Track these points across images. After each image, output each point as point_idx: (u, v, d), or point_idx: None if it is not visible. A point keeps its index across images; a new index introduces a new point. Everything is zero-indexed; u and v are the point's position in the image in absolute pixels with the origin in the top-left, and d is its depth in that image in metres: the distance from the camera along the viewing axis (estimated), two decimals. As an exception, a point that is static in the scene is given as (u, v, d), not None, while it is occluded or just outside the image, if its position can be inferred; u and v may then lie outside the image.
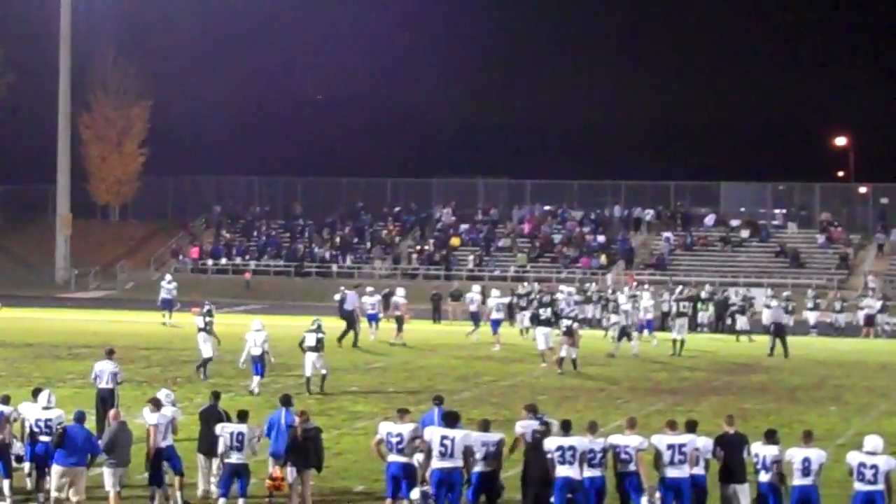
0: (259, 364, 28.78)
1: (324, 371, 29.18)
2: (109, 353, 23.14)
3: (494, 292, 42.55)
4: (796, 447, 16.14)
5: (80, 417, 17.42)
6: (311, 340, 29.04)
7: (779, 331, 39.75)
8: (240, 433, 17.36)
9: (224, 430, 17.47)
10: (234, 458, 17.29)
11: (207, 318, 31.31)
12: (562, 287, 48.24)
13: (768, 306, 42.69)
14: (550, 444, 16.53)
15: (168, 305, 46.49)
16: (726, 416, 17.77)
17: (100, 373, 22.73)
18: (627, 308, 39.38)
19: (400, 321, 41.22)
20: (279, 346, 32.72)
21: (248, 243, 69.23)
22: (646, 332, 41.74)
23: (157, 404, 18.04)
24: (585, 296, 48.50)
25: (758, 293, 51.14)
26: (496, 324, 40.40)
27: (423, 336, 41.54)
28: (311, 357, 28.94)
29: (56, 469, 17.09)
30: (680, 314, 40.11)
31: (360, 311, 40.84)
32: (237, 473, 17.30)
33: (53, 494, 17.09)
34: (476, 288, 46.61)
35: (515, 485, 17.45)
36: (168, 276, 49.16)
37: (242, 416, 17.71)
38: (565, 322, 35.05)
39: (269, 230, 70.50)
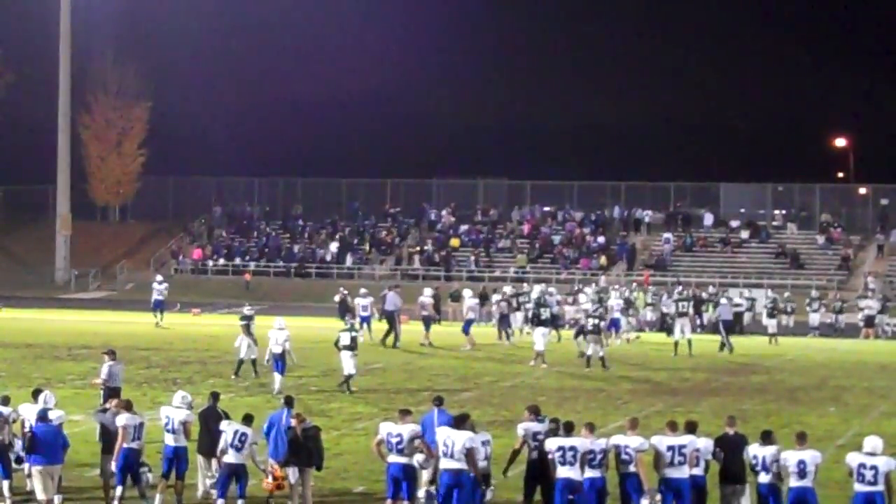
0: (280, 362, 29.03)
1: (352, 371, 29.37)
2: (112, 354, 23.23)
3: (467, 292, 42.39)
4: (791, 449, 16.12)
5: (44, 416, 17.40)
6: (346, 339, 29.42)
7: (726, 327, 40.59)
8: (243, 433, 17.37)
9: (229, 427, 17.46)
10: (234, 457, 17.28)
11: (241, 322, 31.73)
12: (536, 287, 48.25)
13: (716, 304, 43.15)
14: (551, 444, 16.53)
15: (160, 306, 46.20)
16: (727, 416, 17.76)
17: (112, 373, 22.86)
18: (587, 307, 39.45)
19: (427, 321, 41.27)
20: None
21: (248, 244, 69.23)
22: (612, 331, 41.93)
23: (128, 407, 18.06)
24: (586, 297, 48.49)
25: (759, 294, 51.20)
26: (468, 324, 40.52)
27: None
28: (346, 356, 29.25)
29: (36, 470, 16.99)
30: (680, 314, 40.08)
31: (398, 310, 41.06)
32: (235, 474, 17.27)
33: (41, 497, 16.98)
34: (508, 290, 46.51)
35: (518, 485, 17.44)
36: (159, 277, 48.79)
37: (248, 420, 17.73)
38: (592, 321, 35.59)
39: (270, 230, 70.50)
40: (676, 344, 38.96)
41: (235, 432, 17.32)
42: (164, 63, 75.67)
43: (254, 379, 30.75)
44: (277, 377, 29.04)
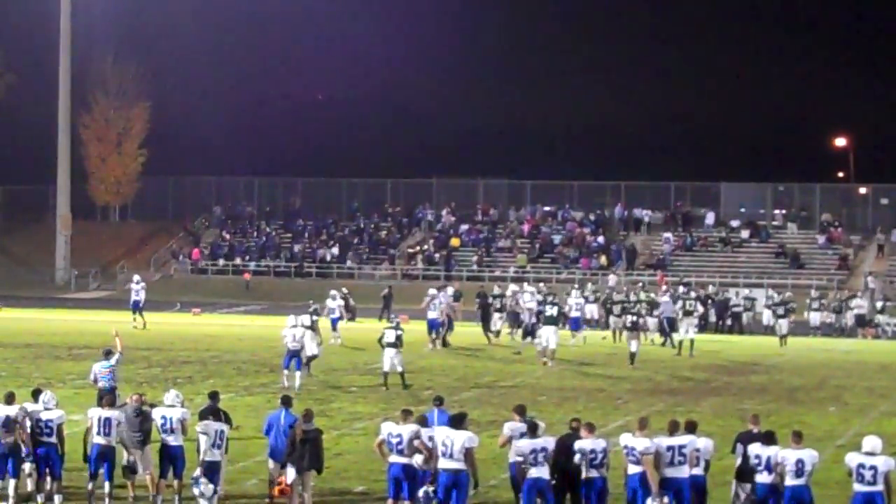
0: (289, 359, 29.55)
1: (400, 368, 29.86)
2: (107, 354, 23.12)
3: (431, 291, 42.12)
4: (789, 448, 16.13)
5: None
6: (390, 337, 29.97)
7: (670, 325, 41.24)
8: (221, 430, 17.56)
9: (209, 428, 17.53)
10: (214, 455, 17.43)
11: (313, 318, 32.39)
12: (511, 286, 48.49)
13: (658, 303, 43.56)
14: (524, 446, 16.57)
15: (137, 307, 45.02)
16: (751, 415, 17.90)
17: (99, 373, 22.74)
18: (532, 306, 39.55)
19: (448, 320, 41.10)
20: (279, 347, 32.76)
21: (248, 243, 69.22)
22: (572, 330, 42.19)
23: (110, 403, 18.24)
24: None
25: (759, 294, 51.19)
26: (433, 323, 40.46)
27: (422, 336, 41.43)
28: (389, 353, 29.81)
29: None
30: (686, 313, 40.15)
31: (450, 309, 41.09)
32: (214, 470, 17.46)
33: None
34: (530, 288, 46.45)
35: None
36: (136, 277, 47.44)
37: (215, 412, 18.03)
38: (630, 318, 36.83)
39: (269, 230, 70.46)
40: (681, 343, 38.97)
41: (216, 432, 17.49)
42: (164, 63, 75.71)
43: (308, 376, 31.07)
44: (286, 373, 29.54)
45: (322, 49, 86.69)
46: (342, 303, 42.31)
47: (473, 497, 17.11)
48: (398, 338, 29.90)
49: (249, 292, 62.46)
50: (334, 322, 40.96)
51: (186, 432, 18.15)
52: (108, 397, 18.92)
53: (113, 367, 22.66)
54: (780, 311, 44.32)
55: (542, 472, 16.39)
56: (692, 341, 38.99)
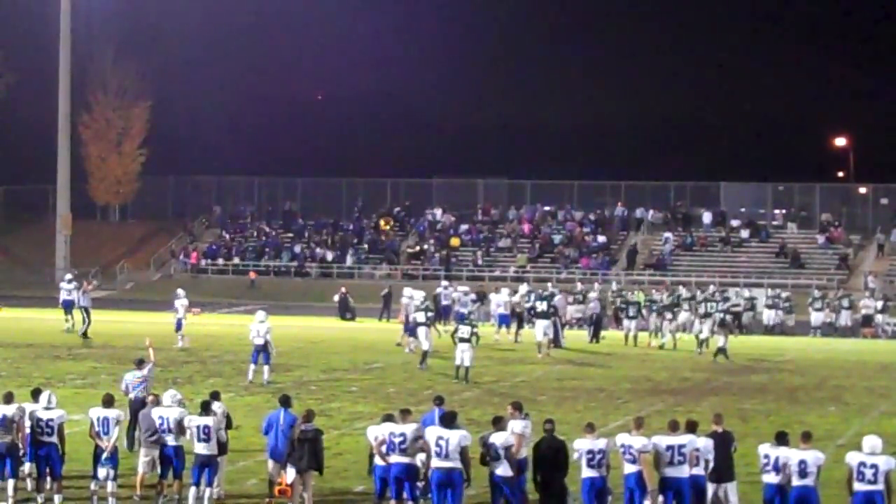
0: (261, 353, 29.99)
1: (468, 363, 31.04)
2: (139, 364, 22.52)
3: (418, 294, 41.84)
4: (794, 448, 16.15)
5: None
6: (464, 333, 31.29)
7: (597, 323, 42.74)
8: (206, 426, 17.70)
9: (192, 423, 17.86)
10: (203, 449, 17.65)
11: (429, 314, 33.96)
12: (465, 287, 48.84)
13: (588, 299, 44.44)
14: (491, 440, 16.70)
15: (69, 307, 42.92)
16: (714, 414, 17.93)
17: (131, 382, 22.19)
18: (417, 302, 39.49)
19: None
20: (280, 347, 32.83)
21: (248, 243, 69.18)
22: (503, 327, 42.84)
23: (107, 402, 18.46)
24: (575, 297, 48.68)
25: (759, 293, 51.18)
26: (413, 327, 40.19)
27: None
28: (462, 348, 31.04)
29: None
30: (706, 314, 40.29)
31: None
32: (203, 464, 17.69)
33: None
34: (523, 289, 46.39)
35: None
36: (68, 276, 45.92)
37: (205, 407, 18.19)
38: (718, 315, 38.30)
39: (270, 230, 70.42)
40: (705, 342, 39.14)
41: (199, 427, 17.70)
42: (164, 63, 75.70)
43: (420, 371, 32.38)
44: (253, 368, 30.02)
45: (322, 49, 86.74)
46: (186, 303, 39.28)
47: (468, 496, 17.13)
48: (473, 334, 31.25)
49: (250, 292, 62.39)
50: (178, 323, 38.33)
51: (185, 432, 18.17)
52: (107, 395, 18.83)
53: (145, 376, 22.17)
54: (702, 310, 43.72)
55: (503, 467, 16.51)
56: (698, 340, 39.53)
